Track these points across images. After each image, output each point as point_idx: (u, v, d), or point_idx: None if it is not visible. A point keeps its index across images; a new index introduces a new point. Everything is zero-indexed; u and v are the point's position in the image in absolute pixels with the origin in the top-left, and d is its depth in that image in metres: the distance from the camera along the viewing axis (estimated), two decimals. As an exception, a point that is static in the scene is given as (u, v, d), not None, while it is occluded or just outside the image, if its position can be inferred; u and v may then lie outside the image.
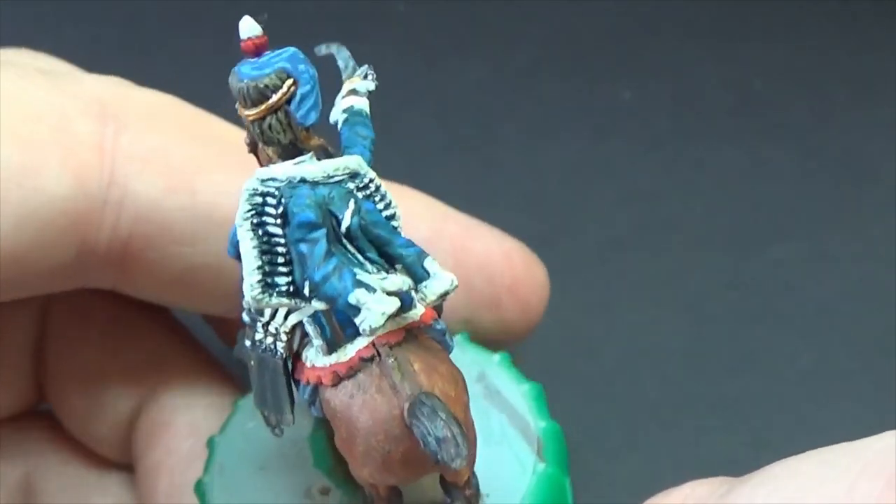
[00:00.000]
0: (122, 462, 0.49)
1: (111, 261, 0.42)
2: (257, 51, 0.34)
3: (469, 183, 0.80)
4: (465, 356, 0.43)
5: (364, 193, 0.34)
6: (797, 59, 0.94)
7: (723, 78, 0.92)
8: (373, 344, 0.34)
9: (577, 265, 0.75)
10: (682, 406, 0.66)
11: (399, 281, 0.33)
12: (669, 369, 0.68)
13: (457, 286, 0.34)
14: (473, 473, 0.35)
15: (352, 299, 0.32)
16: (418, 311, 0.34)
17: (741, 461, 0.65)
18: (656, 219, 0.79)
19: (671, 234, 0.77)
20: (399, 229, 0.35)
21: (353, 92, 0.36)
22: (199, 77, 0.89)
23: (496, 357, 0.45)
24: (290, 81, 0.34)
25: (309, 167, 0.34)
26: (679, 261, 0.75)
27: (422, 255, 0.34)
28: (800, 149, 0.85)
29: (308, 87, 0.34)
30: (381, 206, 0.34)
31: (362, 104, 0.36)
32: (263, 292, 0.34)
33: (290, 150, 0.34)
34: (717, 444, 0.63)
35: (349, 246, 0.34)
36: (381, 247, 0.34)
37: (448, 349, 0.35)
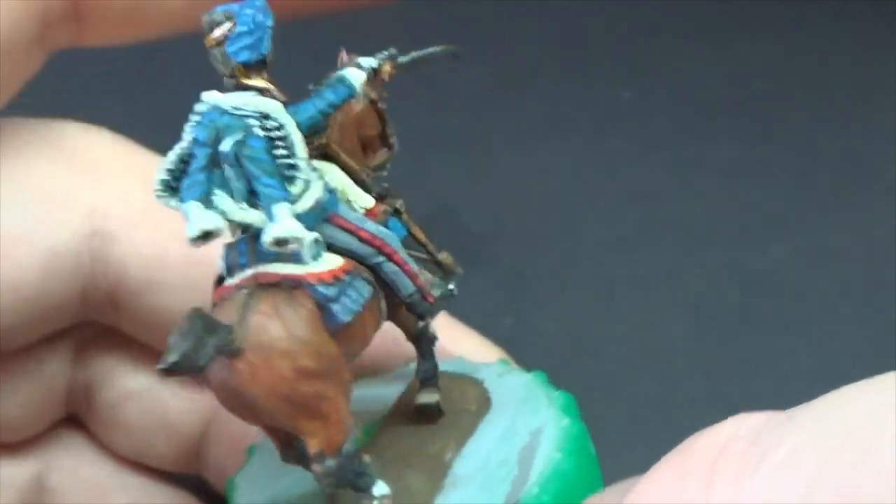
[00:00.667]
0: (179, 471, 0.51)
1: (109, 307, 0.46)
2: None
3: (469, 182, 0.80)
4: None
5: (266, 134, 0.35)
6: (797, 59, 0.94)
7: (723, 77, 0.92)
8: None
9: (578, 264, 0.75)
10: (682, 405, 0.66)
11: (252, 216, 0.35)
12: (669, 369, 0.68)
13: (298, 237, 0.34)
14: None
15: (184, 208, 0.35)
16: (295, 266, 0.36)
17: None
18: (656, 218, 0.79)
19: (671, 234, 0.77)
20: (295, 182, 0.35)
21: (357, 65, 0.39)
22: (199, 77, 0.89)
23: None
24: (231, 21, 0.36)
25: (225, 97, 0.36)
26: (679, 260, 0.75)
27: (276, 199, 0.35)
28: (799, 148, 0.85)
29: (244, 29, 0.36)
30: (279, 151, 0.35)
31: (349, 73, 0.38)
32: (164, 191, 0.36)
33: (236, 84, 0.37)
34: (718, 444, 0.63)
35: (227, 171, 0.35)
36: (251, 181, 0.35)
37: (332, 318, 0.36)
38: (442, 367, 0.43)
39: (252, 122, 0.36)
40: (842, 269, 0.74)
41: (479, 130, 0.85)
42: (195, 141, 0.36)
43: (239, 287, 0.36)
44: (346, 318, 0.36)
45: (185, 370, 0.33)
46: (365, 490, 0.37)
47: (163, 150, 0.40)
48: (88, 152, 0.47)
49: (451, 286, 0.40)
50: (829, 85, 0.91)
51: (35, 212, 0.44)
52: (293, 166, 0.36)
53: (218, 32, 0.36)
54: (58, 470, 0.50)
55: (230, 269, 0.37)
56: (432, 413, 0.41)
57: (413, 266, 0.39)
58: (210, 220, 0.35)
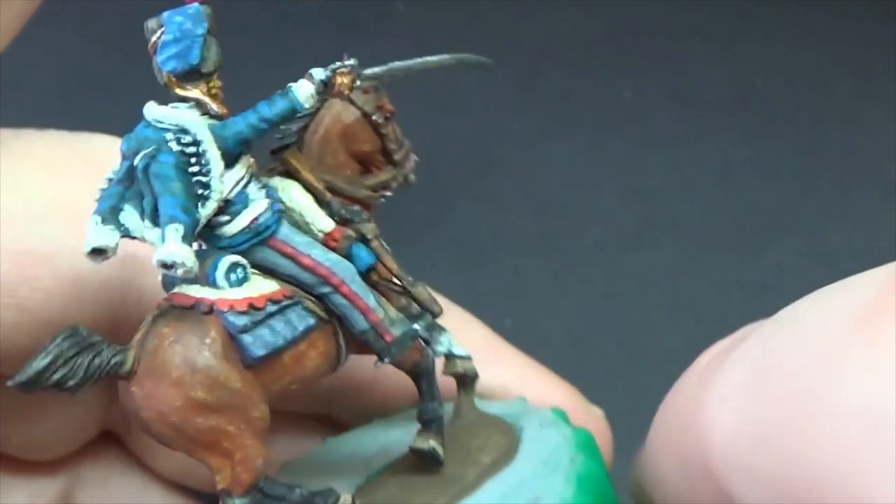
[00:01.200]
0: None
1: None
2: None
3: (469, 182, 0.80)
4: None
5: (180, 149, 0.34)
6: (798, 58, 0.94)
7: (723, 76, 0.92)
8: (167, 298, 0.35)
9: (578, 264, 0.75)
10: (682, 405, 0.66)
11: (153, 235, 0.33)
12: (669, 369, 0.68)
13: (180, 262, 0.32)
14: None
15: (89, 221, 0.34)
16: (210, 291, 0.34)
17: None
18: (657, 217, 0.79)
19: (672, 233, 0.77)
20: (207, 202, 0.34)
21: (309, 76, 0.36)
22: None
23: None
24: (161, 29, 0.35)
25: (150, 109, 0.35)
26: (679, 260, 0.75)
27: (168, 220, 0.33)
28: (799, 148, 0.85)
29: (170, 37, 0.35)
30: (193, 168, 0.34)
31: (296, 85, 0.36)
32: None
33: (174, 95, 0.35)
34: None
35: (140, 185, 0.34)
36: (155, 198, 0.34)
37: (244, 350, 0.34)
38: (493, 408, 0.42)
39: (169, 135, 0.34)
40: (843, 267, 0.74)
41: (480, 130, 0.85)
42: (121, 152, 0.35)
43: (158, 306, 0.35)
44: (258, 351, 0.34)
45: (40, 388, 0.33)
46: None
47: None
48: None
49: (416, 325, 0.37)
50: (829, 85, 0.91)
51: (63, 233, 0.42)
52: (206, 185, 0.34)
53: (152, 40, 0.35)
54: (86, 485, 0.49)
55: (165, 286, 0.35)
56: (426, 460, 0.38)
57: (368, 300, 0.36)
58: (102, 237, 0.33)
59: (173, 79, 0.35)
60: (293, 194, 0.37)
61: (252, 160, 0.36)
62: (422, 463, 0.39)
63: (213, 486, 0.47)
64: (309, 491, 0.36)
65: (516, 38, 0.96)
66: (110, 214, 0.34)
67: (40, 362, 0.33)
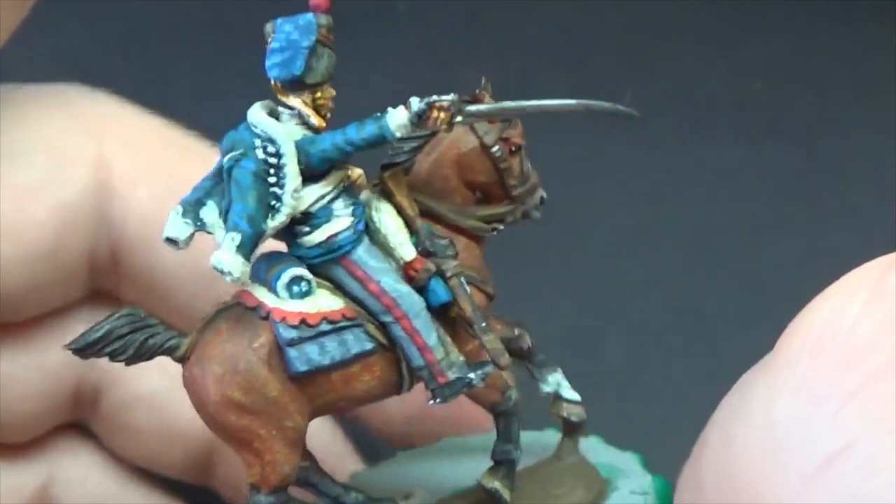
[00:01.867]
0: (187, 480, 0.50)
1: (110, 265, 0.47)
2: (315, 8, 0.36)
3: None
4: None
5: (266, 158, 0.35)
6: (797, 59, 0.94)
7: (723, 77, 0.92)
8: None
9: (578, 263, 0.75)
10: (682, 405, 0.66)
11: (219, 235, 0.35)
12: (669, 369, 0.68)
13: (225, 271, 0.34)
14: None
15: (171, 211, 0.35)
16: (273, 297, 0.35)
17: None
18: (657, 217, 0.79)
19: (671, 233, 0.77)
20: (278, 213, 0.34)
21: (407, 104, 0.35)
22: (198, 77, 0.89)
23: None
24: (272, 35, 0.35)
25: (252, 111, 0.35)
26: (679, 259, 0.75)
27: (230, 227, 0.34)
28: (800, 148, 0.85)
29: (277, 45, 0.35)
30: (271, 179, 0.35)
31: (392, 112, 0.35)
32: None
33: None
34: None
35: (225, 186, 0.35)
36: (230, 201, 0.35)
37: (288, 363, 0.35)
38: (601, 455, 0.43)
39: (258, 142, 0.35)
40: (842, 268, 0.74)
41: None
42: (220, 148, 0.36)
43: (233, 297, 0.36)
44: (301, 367, 0.35)
45: (93, 356, 0.35)
46: None
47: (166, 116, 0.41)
48: (94, 112, 0.48)
49: (472, 374, 0.36)
50: (829, 85, 0.91)
51: (46, 167, 0.45)
52: (279, 198, 0.35)
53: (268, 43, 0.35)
54: (64, 481, 0.50)
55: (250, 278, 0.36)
56: (489, 497, 0.38)
57: (428, 338, 0.36)
58: (176, 229, 0.35)
59: (278, 85, 0.35)
60: (383, 216, 0.37)
61: (348, 175, 0.36)
62: (490, 498, 0.38)
63: (182, 473, 0.49)
64: (368, 497, 0.38)
65: (516, 38, 0.96)
66: (192, 207, 0.35)
67: (93, 335, 0.35)
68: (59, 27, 0.95)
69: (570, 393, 0.41)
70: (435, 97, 0.35)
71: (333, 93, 0.36)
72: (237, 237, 0.34)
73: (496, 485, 0.38)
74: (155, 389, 0.49)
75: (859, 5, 0.98)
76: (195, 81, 0.81)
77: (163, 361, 0.48)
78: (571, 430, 0.42)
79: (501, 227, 0.39)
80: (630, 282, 0.74)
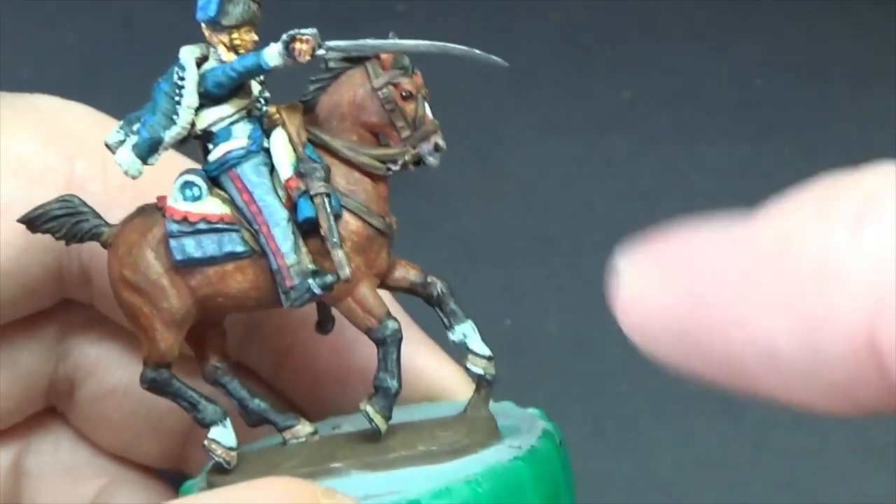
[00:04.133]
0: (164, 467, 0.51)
1: (83, 279, 0.47)
2: None
3: (469, 182, 0.80)
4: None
5: (176, 81, 0.41)
6: (797, 58, 0.94)
7: (723, 76, 0.92)
8: None
9: (578, 263, 0.75)
10: (682, 405, 0.66)
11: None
12: (669, 369, 0.68)
13: (123, 169, 0.41)
14: None
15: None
16: (172, 197, 0.41)
17: (741, 460, 0.65)
18: (657, 217, 0.78)
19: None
20: (174, 125, 0.41)
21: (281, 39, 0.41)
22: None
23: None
24: None
25: (181, 50, 0.42)
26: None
27: (134, 135, 0.41)
28: (800, 147, 0.85)
29: None
30: (176, 98, 0.41)
31: (269, 46, 0.40)
32: None
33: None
34: (717, 444, 0.63)
35: None
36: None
37: (170, 252, 0.41)
38: (512, 417, 0.43)
39: (176, 69, 0.41)
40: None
41: (480, 130, 0.85)
42: None
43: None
44: (177, 255, 0.41)
45: (36, 230, 0.42)
46: (200, 422, 0.42)
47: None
48: (66, 126, 0.47)
49: (310, 281, 0.40)
50: (828, 85, 0.91)
51: (12, 185, 0.45)
52: (176, 112, 0.41)
53: None
54: (36, 452, 0.50)
55: None
56: (369, 424, 0.41)
57: (283, 245, 0.40)
58: (111, 136, 0.41)
59: (204, 26, 0.41)
60: (273, 142, 0.42)
61: (256, 106, 0.42)
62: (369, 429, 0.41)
63: (156, 461, 0.50)
64: (270, 406, 0.43)
65: (516, 38, 0.96)
66: (129, 121, 0.42)
67: (32, 213, 0.42)
68: (60, 27, 0.95)
69: (478, 346, 0.42)
70: (297, 30, 0.40)
71: (254, 37, 0.41)
72: (134, 139, 0.41)
73: (368, 408, 0.41)
74: (129, 382, 0.49)
75: (858, 4, 0.98)
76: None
77: (138, 355, 0.49)
78: (480, 387, 0.43)
79: (395, 167, 0.42)
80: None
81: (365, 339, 0.46)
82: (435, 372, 0.46)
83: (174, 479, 0.52)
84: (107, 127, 0.48)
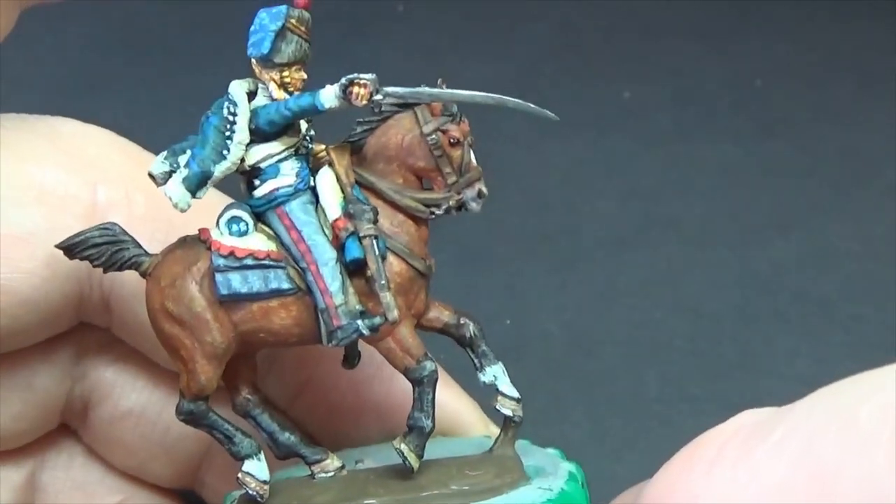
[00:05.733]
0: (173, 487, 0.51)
1: (103, 307, 0.47)
2: (293, 3, 0.42)
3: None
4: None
5: (227, 116, 0.41)
6: (797, 58, 0.94)
7: (723, 76, 0.92)
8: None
9: (578, 263, 0.75)
10: (681, 405, 0.66)
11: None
12: (669, 368, 0.68)
13: (173, 202, 0.41)
14: None
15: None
16: (217, 231, 0.42)
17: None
18: (656, 217, 0.79)
19: (671, 232, 0.77)
20: (224, 160, 0.41)
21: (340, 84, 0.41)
22: (197, 78, 0.89)
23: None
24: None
25: (231, 84, 0.42)
26: (679, 259, 0.75)
27: (185, 168, 0.41)
28: (800, 147, 0.85)
29: (252, 28, 0.41)
30: (227, 133, 0.41)
31: (325, 88, 0.41)
32: None
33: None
34: (718, 444, 0.63)
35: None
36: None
37: (214, 286, 0.41)
38: (534, 459, 0.44)
39: (226, 104, 0.41)
40: (842, 267, 0.74)
41: (479, 130, 0.85)
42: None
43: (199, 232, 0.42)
44: (222, 290, 0.41)
45: (75, 256, 0.42)
46: (235, 454, 0.42)
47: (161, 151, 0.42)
48: (88, 152, 0.47)
49: (359, 322, 0.41)
50: (828, 85, 0.91)
51: (35, 214, 0.44)
52: (228, 148, 0.41)
53: None
54: (50, 468, 0.50)
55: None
56: (402, 462, 0.42)
57: (331, 285, 0.40)
58: (156, 167, 0.42)
59: (254, 63, 0.41)
60: (321, 181, 0.42)
61: (304, 144, 0.42)
62: (402, 465, 0.42)
63: (169, 482, 0.50)
64: (300, 440, 0.43)
65: (516, 38, 0.96)
66: (174, 152, 0.42)
67: (73, 239, 0.42)
68: (60, 28, 0.95)
69: (507, 388, 0.44)
70: (356, 74, 0.40)
71: (304, 76, 0.41)
72: (185, 172, 0.41)
73: (402, 447, 0.42)
74: (144, 405, 0.49)
75: (859, 4, 0.98)
76: (195, 81, 0.81)
77: (153, 378, 0.49)
78: (506, 427, 0.44)
79: (439, 211, 0.42)
80: (630, 281, 0.74)
81: (381, 376, 0.47)
82: (450, 406, 0.47)
83: (187, 498, 0.52)
84: (129, 152, 0.47)
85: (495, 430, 0.46)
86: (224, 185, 0.42)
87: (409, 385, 0.42)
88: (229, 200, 0.43)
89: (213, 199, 0.43)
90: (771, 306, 0.72)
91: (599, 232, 0.78)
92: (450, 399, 0.47)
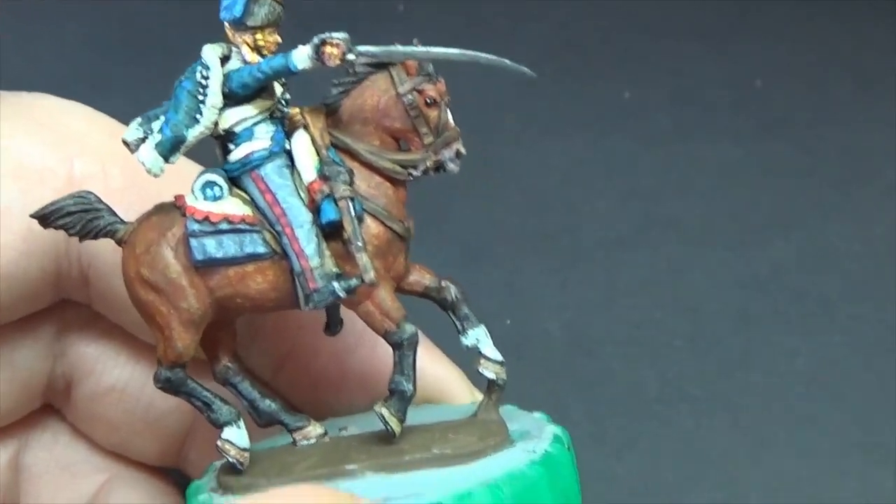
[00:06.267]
0: (163, 464, 0.51)
1: (81, 281, 0.47)
2: None
3: (468, 181, 0.80)
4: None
5: (199, 80, 0.41)
6: (797, 58, 0.94)
7: (723, 76, 0.92)
8: None
9: (578, 263, 0.75)
10: (681, 405, 0.66)
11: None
12: (670, 368, 0.68)
13: (146, 167, 0.40)
14: None
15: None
16: (192, 196, 0.41)
17: (741, 460, 0.65)
18: (656, 217, 0.79)
19: (671, 232, 0.77)
20: (197, 123, 0.41)
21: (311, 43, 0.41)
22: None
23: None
24: None
25: (203, 48, 0.42)
26: (679, 259, 0.75)
27: (157, 133, 0.41)
28: (799, 147, 0.85)
29: None
30: (200, 97, 0.41)
31: (297, 48, 0.40)
32: None
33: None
34: (717, 443, 0.63)
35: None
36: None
37: (189, 252, 0.41)
38: (520, 422, 0.43)
39: (198, 68, 0.41)
40: (841, 267, 0.74)
41: (479, 130, 0.85)
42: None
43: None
44: (198, 255, 0.40)
45: (50, 226, 0.41)
46: (214, 422, 0.42)
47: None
48: (65, 127, 0.47)
49: (335, 283, 0.40)
50: (828, 85, 0.91)
51: (12, 187, 0.44)
52: (200, 112, 0.41)
53: None
54: (34, 449, 0.50)
55: None
56: (384, 426, 0.41)
57: (306, 247, 0.40)
58: (129, 134, 0.41)
59: (228, 27, 0.41)
60: (296, 144, 0.42)
61: (278, 107, 0.42)
62: (383, 430, 0.42)
63: (154, 459, 0.49)
64: (281, 406, 0.43)
65: (516, 38, 0.96)
66: (149, 119, 0.41)
67: (48, 208, 0.41)
68: (59, 27, 0.95)
69: (490, 351, 0.43)
70: (328, 34, 0.40)
71: (278, 38, 0.41)
72: (158, 137, 0.41)
73: (383, 411, 0.41)
74: (127, 380, 0.49)
75: (858, 4, 0.98)
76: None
77: (135, 353, 0.49)
78: (491, 390, 0.43)
79: (417, 172, 0.42)
80: (630, 281, 0.74)
81: (364, 344, 0.46)
82: (434, 373, 0.46)
83: (173, 477, 0.52)
84: (105, 126, 0.47)
85: (480, 397, 0.45)
86: (198, 154, 0.42)
87: (391, 352, 0.41)
88: (201, 167, 0.43)
89: (191, 169, 0.42)
90: (771, 306, 0.72)
91: (599, 232, 0.78)
92: (434, 366, 0.47)
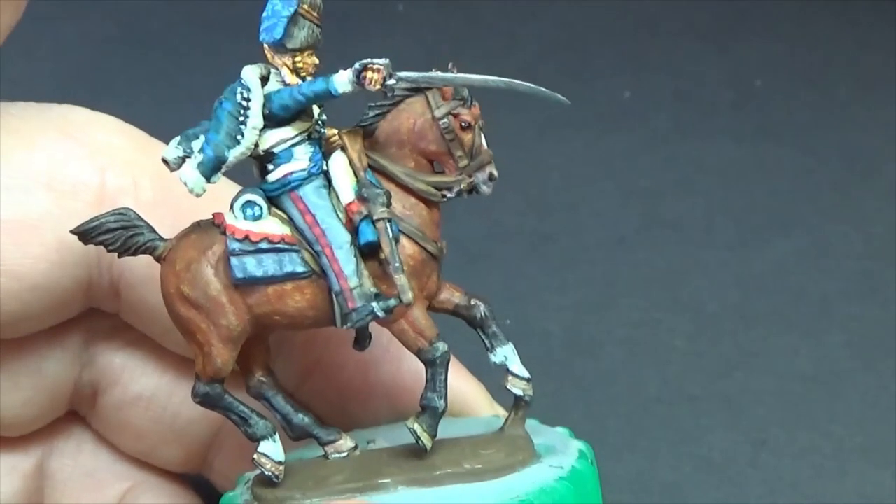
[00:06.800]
0: (183, 471, 0.51)
1: (112, 291, 0.47)
2: None
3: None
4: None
5: (240, 101, 0.41)
6: (797, 58, 0.94)
7: (723, 76, 0.92)
8: None
9: (578, 263, 0.75)
10: (681, 405, 0.66)
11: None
12: (670, 368, 0.68)
13: (188, 187, 0.41)
14: None
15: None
16: (232, 215, 0.42)
17: (741, 459, 0.65)
18: (656, 216, 0.79)
19: (671, 232, 0.77)
20: (238, 145, 0.41)
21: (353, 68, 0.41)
22: (197, 76, 0.89)
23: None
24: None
25: (243, 70, 0.42)
26: (679, 259, 0.75)
27: (199, 153, 0.41)
28: (800, 146, 0.85)
29: (264, 14, 0.41)
30: (241, 118, 0.41)
31: (339, 73, 0.41)
32: None
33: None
34: (717, 443, 0.63)
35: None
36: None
37: (230, 270, 0.41)
38: (545, 437, 0.44)
39: (239, 89, 0.41)
40: (842, 267, 0.74)
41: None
42: None
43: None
44: (238, 274, 0.41)
45: (89, 242, 0.42)
46: (251, 436, 0.42)
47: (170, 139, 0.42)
48: (96, 139, 0.47)
49: (374, 304, 0.41)
50: (828, 85, 0.91)
51: (45, 200, 0.45)
52: (242, 133, 0.41)
53: None
54: (59, 455, 0.50)
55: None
56: (415, 441, 0.42)
57: (345, 267, 0.41)
58: (169, 151, 0.42)
59: (267, 49, 0.41)
60: (334, 165, 0.42)
61: (316, 129, 0.42)
62: (415, 445, 0.42)
63: (179, 467, 0.50)
64: (314, 420, 0.44)
65: (516, 38, 0.96)
66: (188, 137, 0.42)
67: (88, 224, 0.42)
68: (60, 27, 0.95)
69: (518, 368, 0.44)
70: (370, 60, 0.41)
71: (316, 61, 0.42)
72: (199, 157, 0.41)
73: (416, 427, 0.42)
74: (154, 389, 0.49)
75: (858, 5, 0.98)
76: (195, 80, 0.81)
77: (162, 363, 0.49)
78: (517, 406, 0.44)
79: (451, 194, 0.43)
80: (630, 281, 0.74)
81: (389, 357, 0.47)
82: (456, 386, 0.47)
83: (197, 484, 0.52)
84: (136, 138, 0.48)
85: (500, 411, 0.46)
86: (232, 173, 0.42)
87: (417, 365, 0.42)
88: (235, 186, 0.43)
89: (223, 186, 0.43)
90: (771, 306, 0.72)
91: (599, 231, 0.78)
92: (457, 380, 0.47)
